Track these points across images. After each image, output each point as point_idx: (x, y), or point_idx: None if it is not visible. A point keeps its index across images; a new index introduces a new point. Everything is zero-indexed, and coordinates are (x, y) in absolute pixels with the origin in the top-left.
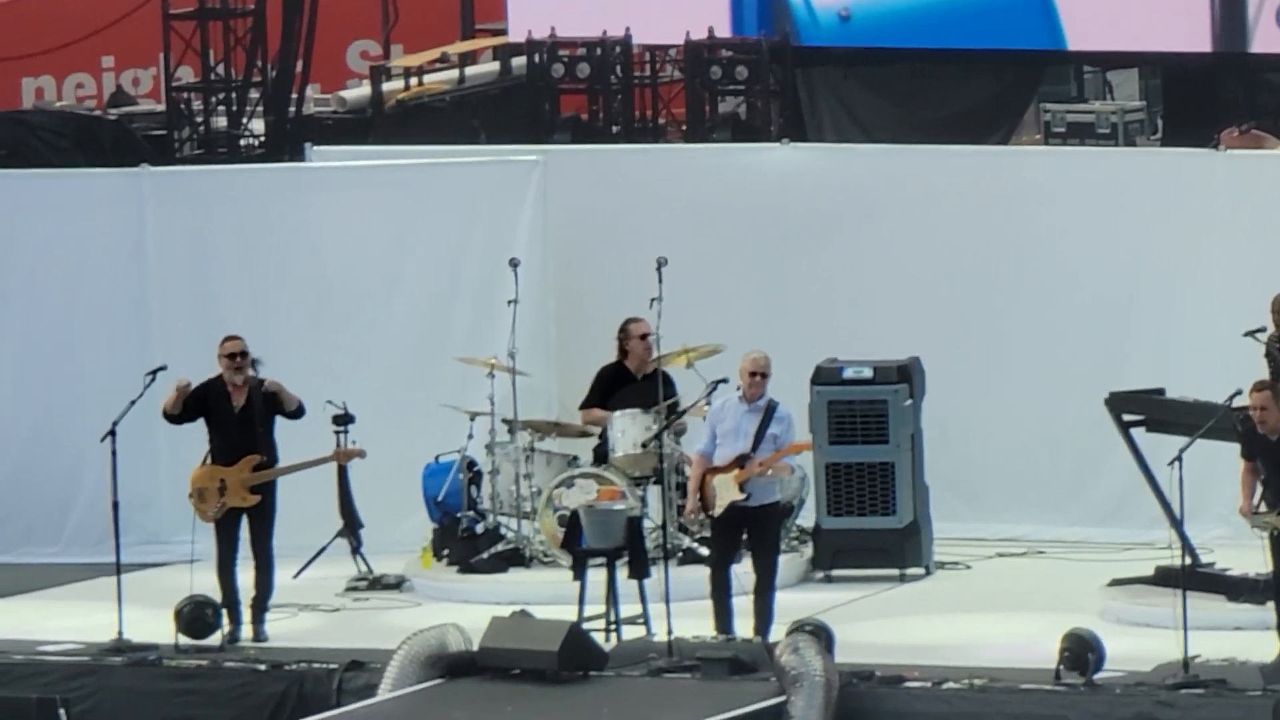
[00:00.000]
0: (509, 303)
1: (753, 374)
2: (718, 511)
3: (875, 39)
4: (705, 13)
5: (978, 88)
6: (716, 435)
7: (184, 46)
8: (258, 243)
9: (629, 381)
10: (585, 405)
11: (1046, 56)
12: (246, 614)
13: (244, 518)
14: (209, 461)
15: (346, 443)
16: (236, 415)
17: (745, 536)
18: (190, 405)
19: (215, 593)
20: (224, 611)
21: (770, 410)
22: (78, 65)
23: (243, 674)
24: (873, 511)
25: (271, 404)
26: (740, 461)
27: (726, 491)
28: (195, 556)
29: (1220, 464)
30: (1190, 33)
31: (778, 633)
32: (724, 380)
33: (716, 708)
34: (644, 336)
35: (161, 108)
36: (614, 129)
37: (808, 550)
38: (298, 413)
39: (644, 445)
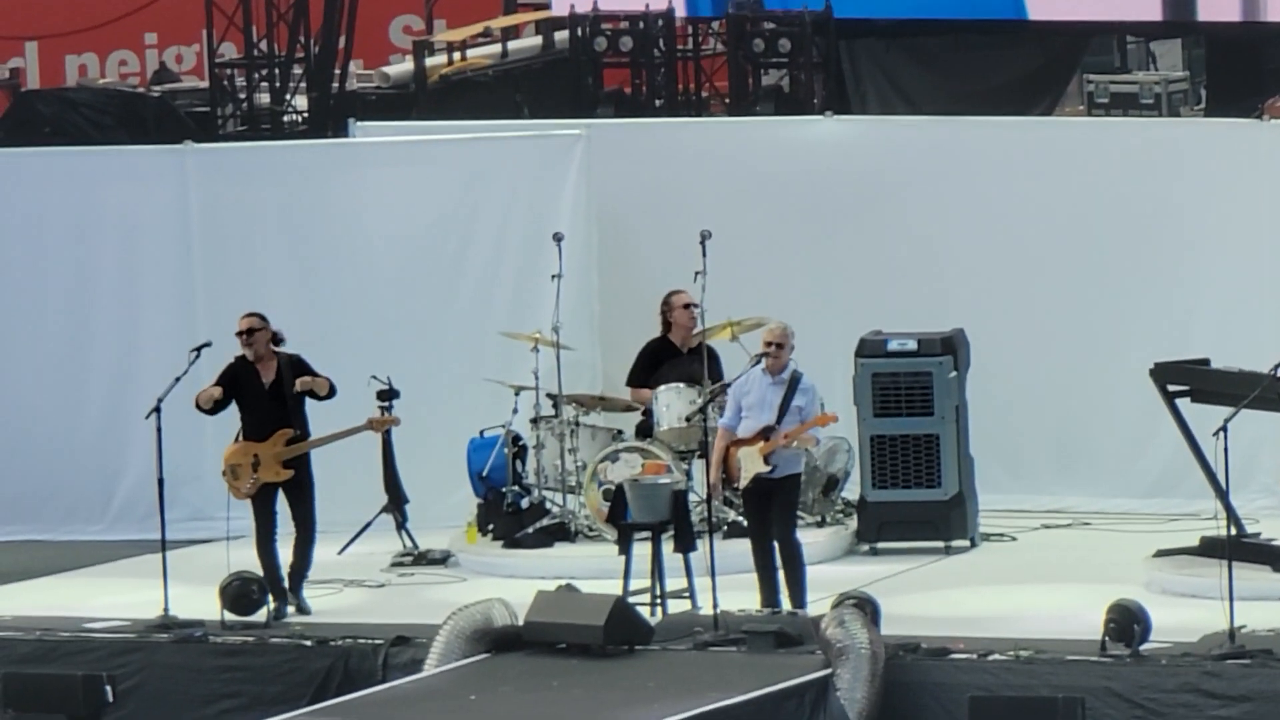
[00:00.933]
0: (553, 277)
1: (768, 343)
2: (742, 483)
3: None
4: None
5: (1021, 59)
6: (741, 408)
7: (226, 23)
8: (302, 219)
9: (673, 355)
10: (631, 382)
11: (1090, 27)
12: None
13: (279, 493)
14: (241, 438)
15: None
16: (267, 391)
17: None
18: (224, 388)
19: (257, 569)
20: (268, 588)
21: (794, 382)
22: (121, 42)
23: (288, 650)
24: (918, 484)
25: (302, 375)
26: (765, 434)
27: (751, 464)
28: (233, 534)
29: (1265, 434)
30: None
31: (823, 606)
32: (767, 354)
33: (762, 681)
34: (687, 306)
35: (205, 84)
36: (657, 103)
37: (853, 523)
38: (331, 393)
39: (688, 419)
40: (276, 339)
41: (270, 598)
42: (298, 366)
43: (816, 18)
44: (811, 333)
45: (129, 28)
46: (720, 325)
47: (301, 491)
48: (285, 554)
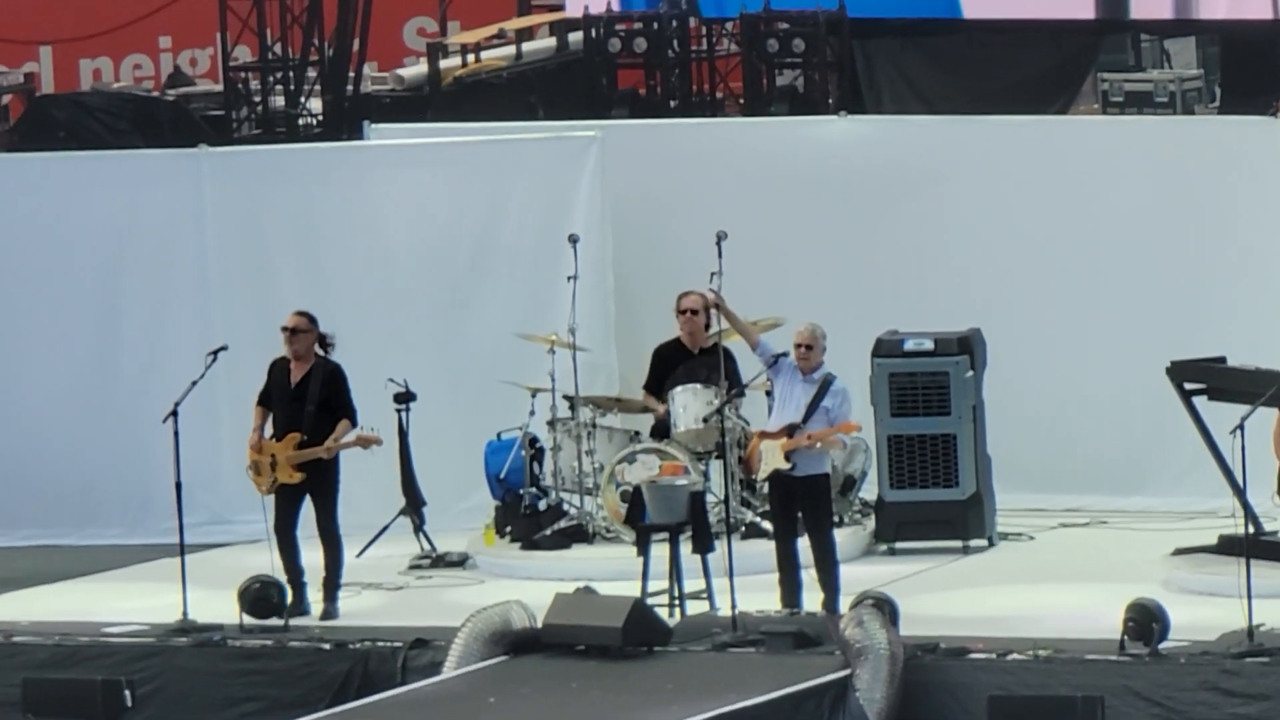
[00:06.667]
0: (569, 279)
1: (796, 345)
2: (760, 475)
3: None
4: None
5: (1036, 58)
6: (772, 392)
7: (241, 26)
8: (316, 221)
9: (686, 357)
10: (647, 387)
11: (1104, 26)
12: (317, 593)
13: (304, 496)
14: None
15: (407, 420)
16: (291, 391)
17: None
18: (267, 388)
19: (279, 572)
20: (288, 586)
21: (826, 384)
22: (135, 46)
23: (307, 653)
24: (935, 483)
25: (330, 388)
26: (789, 431)
27: (772, 458)
28: (252, 537)
29: None
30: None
31: (842, 606)
32: (784, 354)
33: (781, 682)
34: (683, 312)
35: (219, 88)
36: (671, 103)
37: (870, 523)
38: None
39: (705, 420)
40: (324, 342)
41: (288, 596)
42: (330, 379)
43: (831, 17)
44: (828, 332)
45: (143, 31)
46: None
47: (321, 499)
48: (314, 557)
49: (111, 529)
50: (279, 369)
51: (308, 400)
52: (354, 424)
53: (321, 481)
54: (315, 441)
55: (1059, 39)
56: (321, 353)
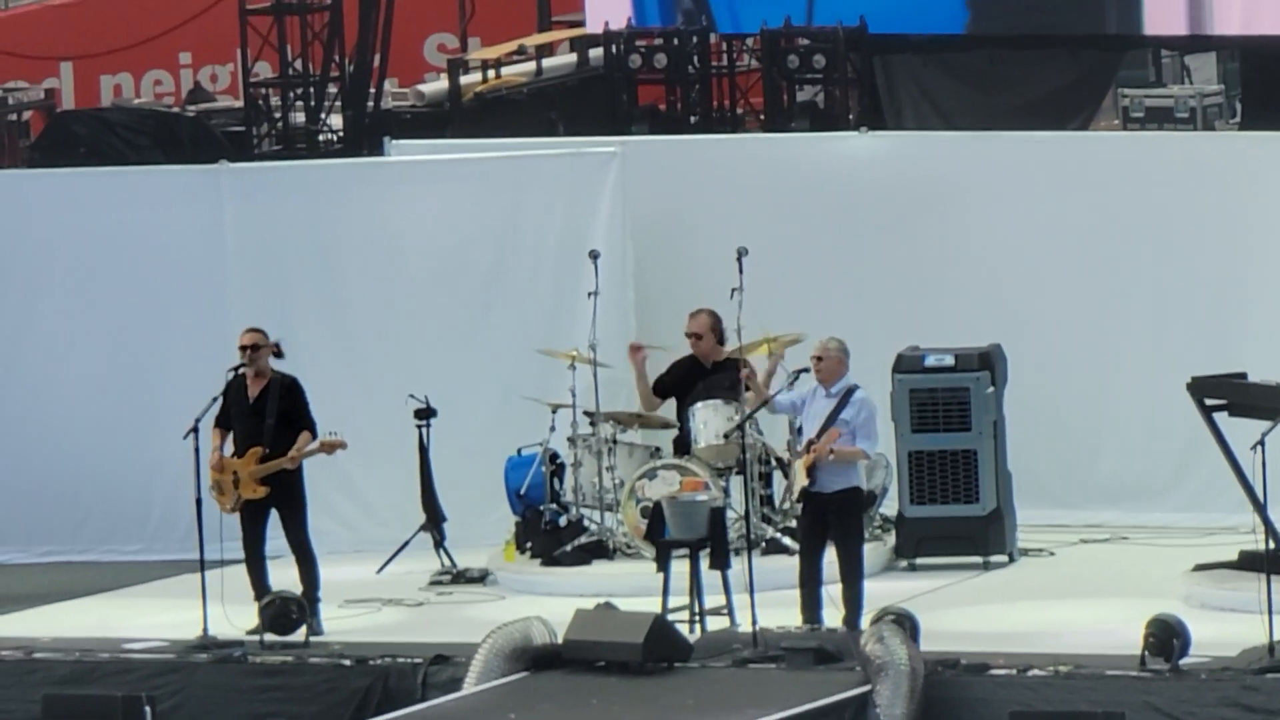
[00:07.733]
0: (589, 295)
1: (812, 357)
2: (793, 495)
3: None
4: None
5: (1056, 73)
6: (798, 405)
7: (261, 42)
8: (337, 238)
9: (704, 373)
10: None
11: (1124, 41)
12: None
13: (269, 513)
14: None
15: (428, 436)
16: (250, 406)
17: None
18: (225, 407)
19: (295, 587)
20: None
21: (845, 396)
22: (155, 62)
23: (327, 669)
24: (955, 499)
25: (289, 401)
26: (808, 447)
27: (798, 476)
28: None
29: None
30: None
31: (863, 622)
32: (806, 370)
33: (802, 698)
34: (688, 335)
35: (239, 104)
36: (692, 119)
37: (891, 539)
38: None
39: (726, 436)
40: (276, 352)
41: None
42: (288, 392)
43: (851, 33)
44: (849, 349)
45: (164, 47)
46: (757, 342)
47: (289, 513)
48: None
49: (131, 545)
50: (235, 387)
51: (267, 414)
52: (314, 435)
53: (286, 496)
54: (277, 455)
55: (1079, 55)
56: (275, 356)
